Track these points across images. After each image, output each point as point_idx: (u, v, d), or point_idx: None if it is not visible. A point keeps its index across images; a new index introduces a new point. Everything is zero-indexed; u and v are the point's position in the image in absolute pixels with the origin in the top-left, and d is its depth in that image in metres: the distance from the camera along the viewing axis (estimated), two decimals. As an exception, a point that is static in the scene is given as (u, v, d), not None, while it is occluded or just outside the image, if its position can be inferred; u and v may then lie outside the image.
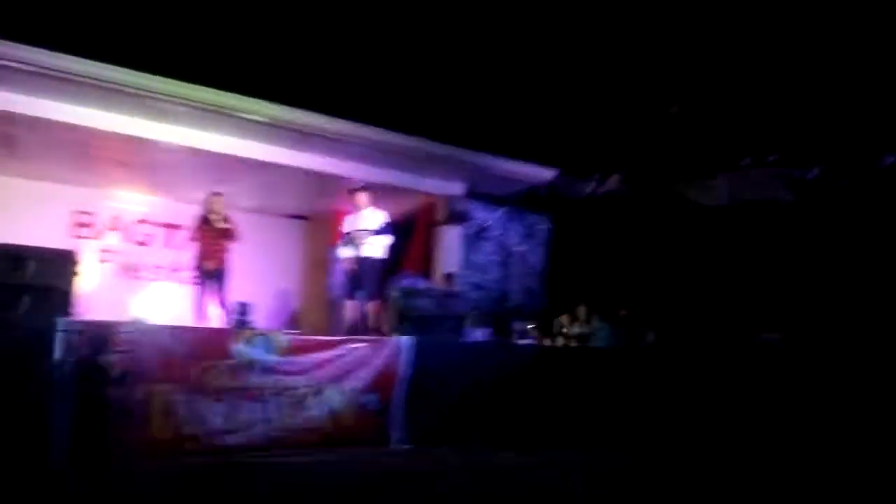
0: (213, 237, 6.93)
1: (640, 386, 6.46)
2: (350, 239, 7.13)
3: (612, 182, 8.29)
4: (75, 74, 6.91)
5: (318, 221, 11.24)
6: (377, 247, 7.13)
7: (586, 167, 9.48)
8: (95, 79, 7.01)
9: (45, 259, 4.24)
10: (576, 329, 7.47)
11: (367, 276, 7.02)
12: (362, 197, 7.29)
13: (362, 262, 7.04)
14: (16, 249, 4.23)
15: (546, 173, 9.58)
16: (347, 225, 7.36)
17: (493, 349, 6.53)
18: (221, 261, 6.98)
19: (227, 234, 6.98)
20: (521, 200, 9.97)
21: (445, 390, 5.69)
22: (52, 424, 4.14)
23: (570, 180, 9.26)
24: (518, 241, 10.26)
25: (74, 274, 4.44)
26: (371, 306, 6.96)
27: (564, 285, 9.37)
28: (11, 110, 7.23)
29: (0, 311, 4.09)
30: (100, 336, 4.33)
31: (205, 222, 7.00)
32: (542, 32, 10.56)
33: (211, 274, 6.90)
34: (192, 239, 7.19)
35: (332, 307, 10.20)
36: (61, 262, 4.34)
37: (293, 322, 10.24)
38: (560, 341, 7.45)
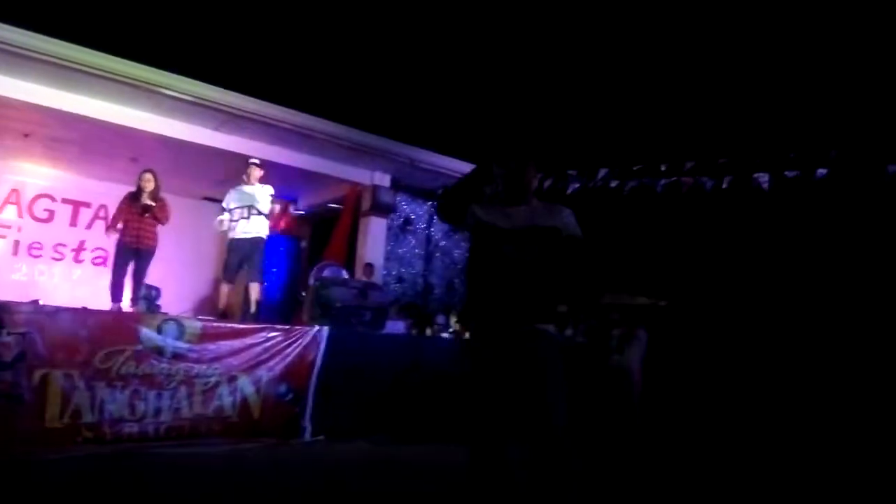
0: (138, 215, 6.53)
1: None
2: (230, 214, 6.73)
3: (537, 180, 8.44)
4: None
5: (237, 206, 10.92)
6: (262, 225, 6.73)
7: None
8: (3, 42, 6.53)
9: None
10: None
11: (252, 257, 6.65)
12: (256, 171, 6.81)
13: (245, 242, 6.63)
14: None
15: (467, 168, 9.68)
16: (230, 199, 6.84)
17: (410, 342, 6.56)
18: (145, 240, 6.58)
19: (154, 214, 6.60)
20: (446, 195, 10.01)
21: (360, 382, 5.67)
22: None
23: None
24: (442, 236, 10.35)
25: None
26: (254, 289, 6.66)
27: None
28: None
29: None
30: (-9, 316, 4.06)
31: (131, 199, 6.61)
32: (474, 29, 10.67)
33: (132, 254, 6.50)
34: (115, 216, 6.76)
35: (248, 292, 9.97)
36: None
37: (207, 307, 9.93)
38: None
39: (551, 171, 8.35)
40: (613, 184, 7.45)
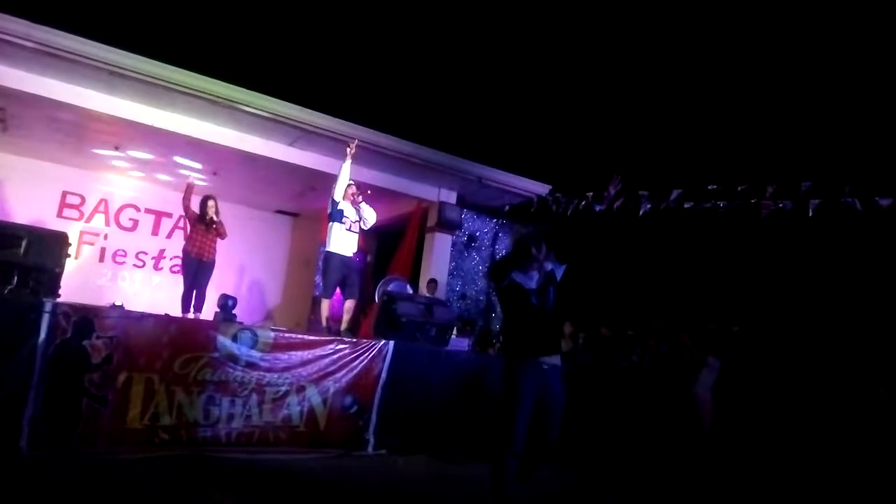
0: (203, 231, 6.97)
1: (616, 406, 6.50)
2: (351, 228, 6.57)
3: (605, 199, 8.33)
4: (74, 53, 6.86)
5: (306, 219, 11.25)
6: (355, 244, 6.70)
7: (579, 184, 9.56)
8: (96, 60, 6.96)
9: (38, 238, 4.20)
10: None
11: (353, 274, 6.64)
12: (354, 191, 6.70)
13: (346, 260, 6.59)
14: (10, 227, 4.20)
15: (538, 188, 9.66)
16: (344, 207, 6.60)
17: (474, 359, 6.54)
18: (207, 253, 7.00)
19: (218, 232, 7.05)
20: (512, 213, 10.02)
21: (424, 397, 5.69)
22: (27, 405, 4.10)
23: (562, 196, 9.32)
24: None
25: (66, 255, 4.41)
26: (350, 305, 6.65)
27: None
28: (5, 84, 7.16)
29: (-16, 288, 4.04)
30: (85, 319, 4.29)
31: (198, 217, 7.05)
32: (546, 53, 10.68)
33: (196, 264, 6.90)
34: (186, 229, 7.21)
35: (315, 304, 10.21)
36: (54, 243, 4.31)
37: (271, 317, 10.22)
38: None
39: (622, 191, 8.22)
40: (687, 205, 7.26)
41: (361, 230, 6.67)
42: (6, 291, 4.13)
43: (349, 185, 6.57)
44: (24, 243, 4.18)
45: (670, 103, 10.57)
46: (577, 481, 5.41)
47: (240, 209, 10.03)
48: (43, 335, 4.12)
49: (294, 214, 11.48)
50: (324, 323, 6.49)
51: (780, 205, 6.68)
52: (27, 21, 6.63)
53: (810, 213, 6.48)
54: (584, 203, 8.42)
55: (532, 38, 10.71)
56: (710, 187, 7.40)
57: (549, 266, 3.79)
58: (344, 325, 6.48)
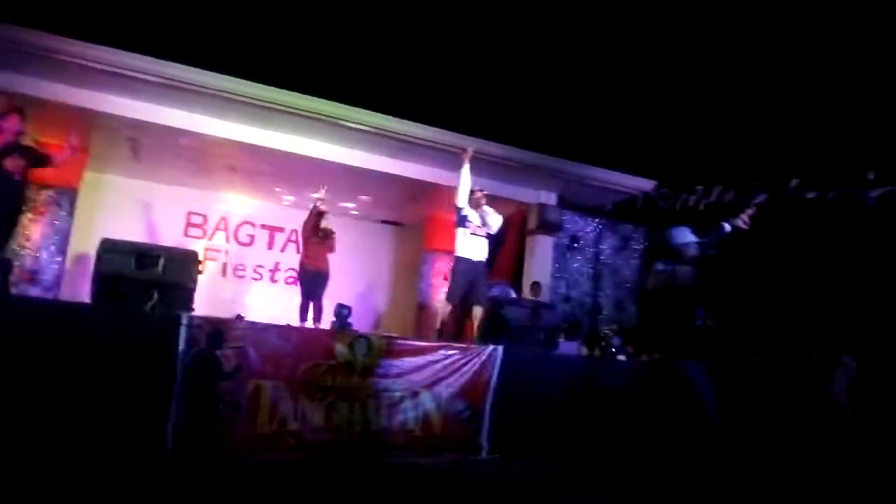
0: (318, 244, 7.35)
1: (738, 409, 6.16)
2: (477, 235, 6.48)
3: (717, 194, 7.93)
4: (192, 84, 7.44)
5: (410, 227, 11.50)
6: (485, 249, 6.59)
7: (686, 179, 9.17)
8: (211, 88, 7.52)
9: (173, 257, 4.58)
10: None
11: (481, 280, 6.47)
12: (480, 195, 6.63)
13: (474, 265, 6.45)
14: (149, 248, 4.60)
15: (643, 184, 9.37)
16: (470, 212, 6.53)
17: (585, 363, 6.42)
18: (322, 264, 7.34)
19: (329, 245, 7.39)
20: (615, 212, 9.77)
21: (536, 402, 5.64)
22: (170, 411, 4.45)
23: (669, 192, 8.97)
24: (612, 253, 10.07)
25: (198, 272, 4.76)
26: (477, 312, 6.45)
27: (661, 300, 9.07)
28: (136, 117, 7.87)
29: (133, 304, 4.44)
30: (217, 331, 4.61)
31: (313, 231, 7.42)
32: (644, 45, 10.34)
33: (312, 276, 7.24)
34: (298, 243, 7.60)
35: (420, 311, 10.42)
36: (187, 261, 4.67)
37: (382, 324, 10.53)
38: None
39: (733, 183, 7.80)
40: (810, 195, 6.76)
41: (489, 235, 6.57)
42: (149, 307, 4.51)
43: (472, 191, 6.53)
44: (161, 262, 4.56)
45: (778, 89, 9.93)
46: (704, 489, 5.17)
47: (345, 221, 10.41)
48: (182, 346, 4.45)
49: (397, 224, 11.78)
50: (437, 325, 6.53)
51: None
52: (152, 58, 7.27)
53: None
54: (693, 198, 8.05)
55: (628, 33, 10.42)
56: (831, 176, 6.87)
57: None
58: (476, 334, 6.36)
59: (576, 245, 9.86)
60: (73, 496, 3.42)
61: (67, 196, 8.50)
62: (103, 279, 4.43)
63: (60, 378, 4.13)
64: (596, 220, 9.92)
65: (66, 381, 4.14)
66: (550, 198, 9.65)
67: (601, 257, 9.97)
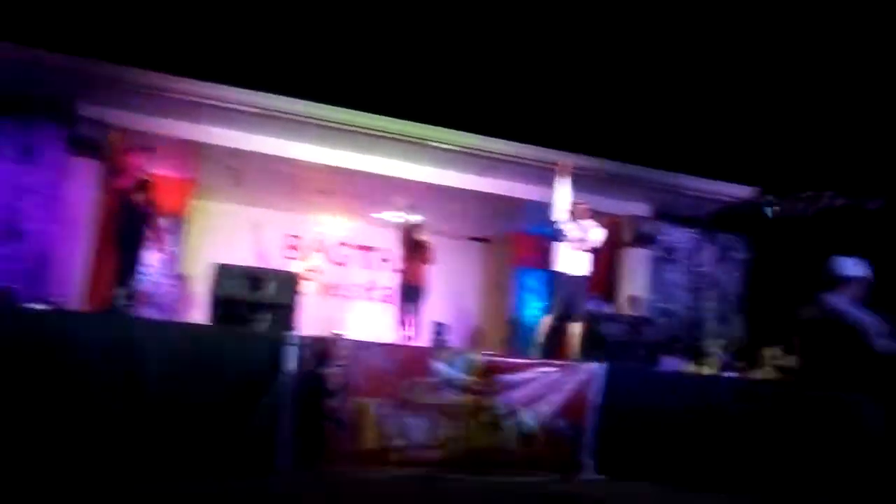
0: (412, 258, 7.38)
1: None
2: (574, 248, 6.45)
3: (827, 199, 7.45)
4: (288, 113, 7.81)
5: (498, 244, 11.49)
6: (586, 263, 6.54)
7: (790, 184, 8.67)
8: (305, 116, 7.86)
9: (278, 279, 4.78)
10: (791, 361, 6.71)
11: (579, 295, 6.44)
12: (582, 209, 6.66)
13: (572, 280, 6.43)
14: (256, 271, 4.83)
15: (743, 191, 8.94)
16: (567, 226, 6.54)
17: (692, 380, 6.13)
18: (419, 279, 7.36)
19: (425, 257, 7.38)
20: (714, 221, 9.36)
21: (641, 421, 5.43)
22: (280, 428, 4.60)
23: (775, 198, 8.51)
24: (711, 265, 9.63)
25: (298, 293, 4.93)
26: (575, 328, 6.40)
27: (767, 313, 8.58)
28: (238, 147, 8.31)
29: (243, 325, 4.65)
30: (321, 350, 4.75)
31: (408, 245, 7.49)
32: (737, 47, 9.93)
33: (409, 290, 7.28)
34: (393, 261, 7.66)
35: (513, 327, 10.34)
36: (289, 282, 4.86)
37: (473, 341, 10.52)
38: (769, 374, 6.77)
39: (845, 188, 7.30)
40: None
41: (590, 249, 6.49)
42: (259, 327, 4.71)
43: (575, 203, 6.53)
44: (269, 284, 4.77)
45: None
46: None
47: (435, 239, 10.52)
48: (290, 366, 4.61)
49: (485, 240, 11.79)
50: (539, 339, 6.42)
51: None
52: (250, 90, 7.69)
53: None
54: (801, 204, 7.59)
55: (717, 35, 10.03)
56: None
57: None
58: (574, 350, 6.32)
59: (672, 257, 9.50)
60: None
61: (177, 223, 9.09)
62: (219, 301, 4.67)
63: (187, 395, 4.37)
64: (692, 231, 9.53)
65: (192, 397, 4.38)
66: (644, 209, 9.37)
67: (700, 269, 9.55)
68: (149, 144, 5.85)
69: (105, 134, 7.72)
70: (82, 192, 7.68)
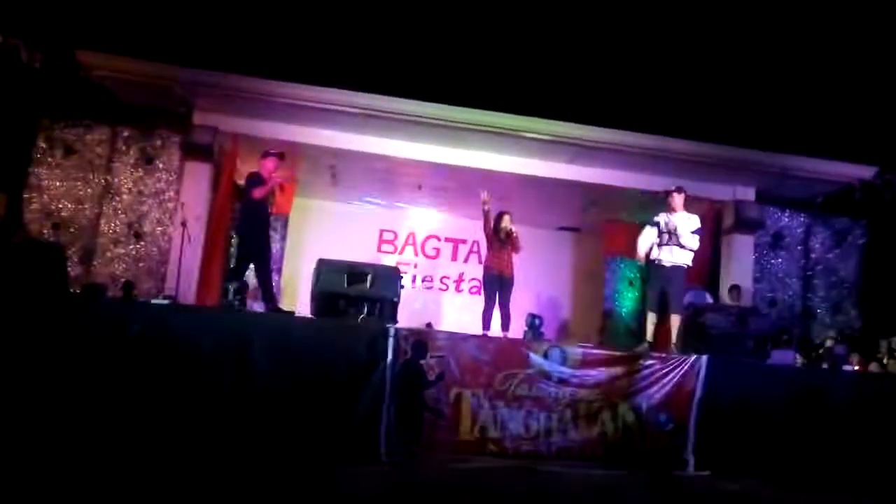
0: (499, 248, 7.24)
1: None
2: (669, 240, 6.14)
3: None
4: (383, 111, 8.01)
5: (588, 233, 11.28)
6: (683, 254, 6.17)
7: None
8: (400, 113, 8.03)
9: (379, 274, 4.95)
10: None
11: (675, 286, 6.10)
12: (677, 198, 6.33)
13: (665, 270, 6.13)
14: (358, 266, 5.02)
15: (860, 171, 8.30)
16: (660, 220, 6.27)
17: (804, 374, 5.81)
18: (506, 270, 7.23)
19: (514, 246, 7.22)
20: (827, 204, 8.75)
21: (749, 416, 5.21)
22: (382, 417, 4.77)
23: (891, 178, 7.86)
24: (824, 251, 9.01)
25: (400, 287, 5.08)
26: (674, 320, 6.08)
27: (886, 302, 7.96)
28: (336, 146, 8.62)
29: (347, 318, 4.85)
30: (420, 342, 4.88)
31: (494, 233, 7.37)
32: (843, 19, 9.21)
33: (497, 282, 7.20)
34: (481, 253, 7.63)
35: (606, 318, 10.15)
36: (391, 277, 5.02)
37: (566, 332, 10.41)
38: (889, 367, 6.30)
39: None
40: None
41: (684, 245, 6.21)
42: (360, 320, 4.90)
43: (668, 192, 6.33)
44: (369, 278, 4.94)
45: None
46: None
47: (524, 230, 10.42)
48: (391, 357, 4.77)
49: (575, 230, 11.61)
50: (648, 337, 6.16)
51: None
52: (348, 91, 7.95)
53: None
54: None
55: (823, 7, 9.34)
56: None
57: None
58: (674, 343, 6.03)
59: (780, 243, 8.97)
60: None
61: (282, 221, 9.58)
62: (321, 295, 4.90)
63: (294, 385, 4.62)
64: (803, 215, 8.96)
65: (298, 387, 4.62)
66: (747, 193, 8.89)
67: (812, 255, 8.96)
68: (279, 150, 6.24)
69: (216, 139, 8.28)
70: (196, 193, 8.26)
